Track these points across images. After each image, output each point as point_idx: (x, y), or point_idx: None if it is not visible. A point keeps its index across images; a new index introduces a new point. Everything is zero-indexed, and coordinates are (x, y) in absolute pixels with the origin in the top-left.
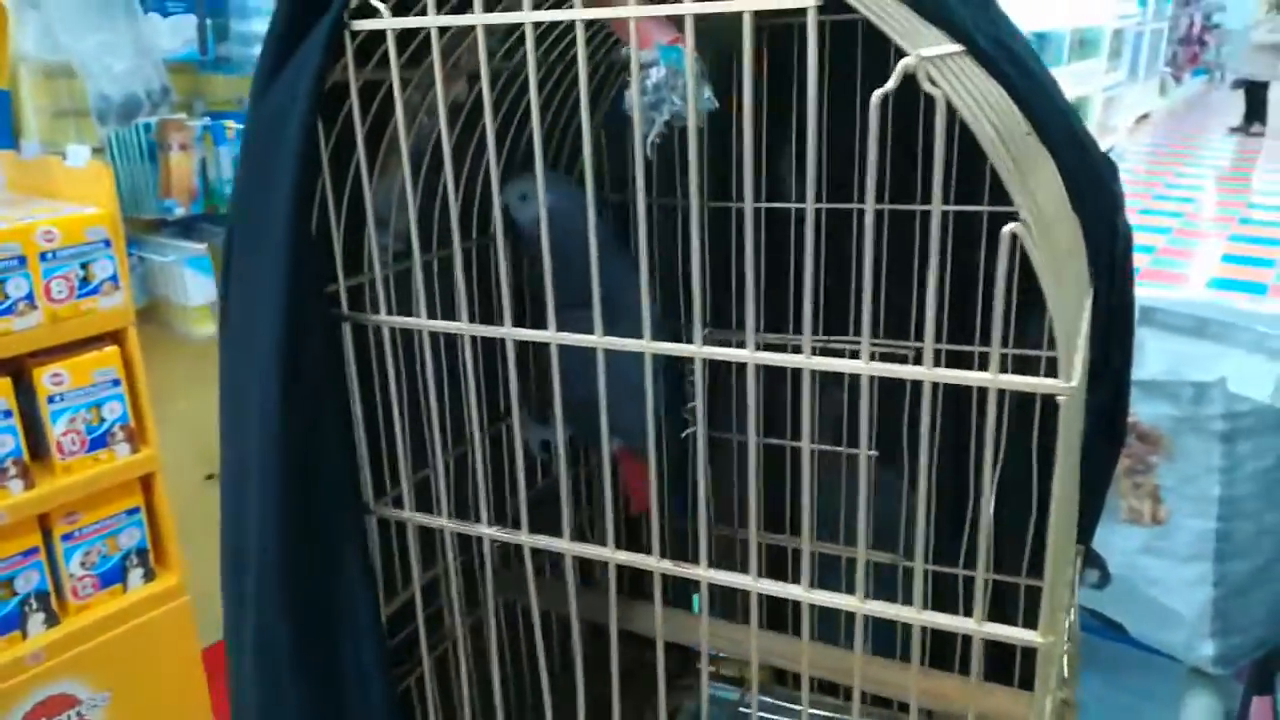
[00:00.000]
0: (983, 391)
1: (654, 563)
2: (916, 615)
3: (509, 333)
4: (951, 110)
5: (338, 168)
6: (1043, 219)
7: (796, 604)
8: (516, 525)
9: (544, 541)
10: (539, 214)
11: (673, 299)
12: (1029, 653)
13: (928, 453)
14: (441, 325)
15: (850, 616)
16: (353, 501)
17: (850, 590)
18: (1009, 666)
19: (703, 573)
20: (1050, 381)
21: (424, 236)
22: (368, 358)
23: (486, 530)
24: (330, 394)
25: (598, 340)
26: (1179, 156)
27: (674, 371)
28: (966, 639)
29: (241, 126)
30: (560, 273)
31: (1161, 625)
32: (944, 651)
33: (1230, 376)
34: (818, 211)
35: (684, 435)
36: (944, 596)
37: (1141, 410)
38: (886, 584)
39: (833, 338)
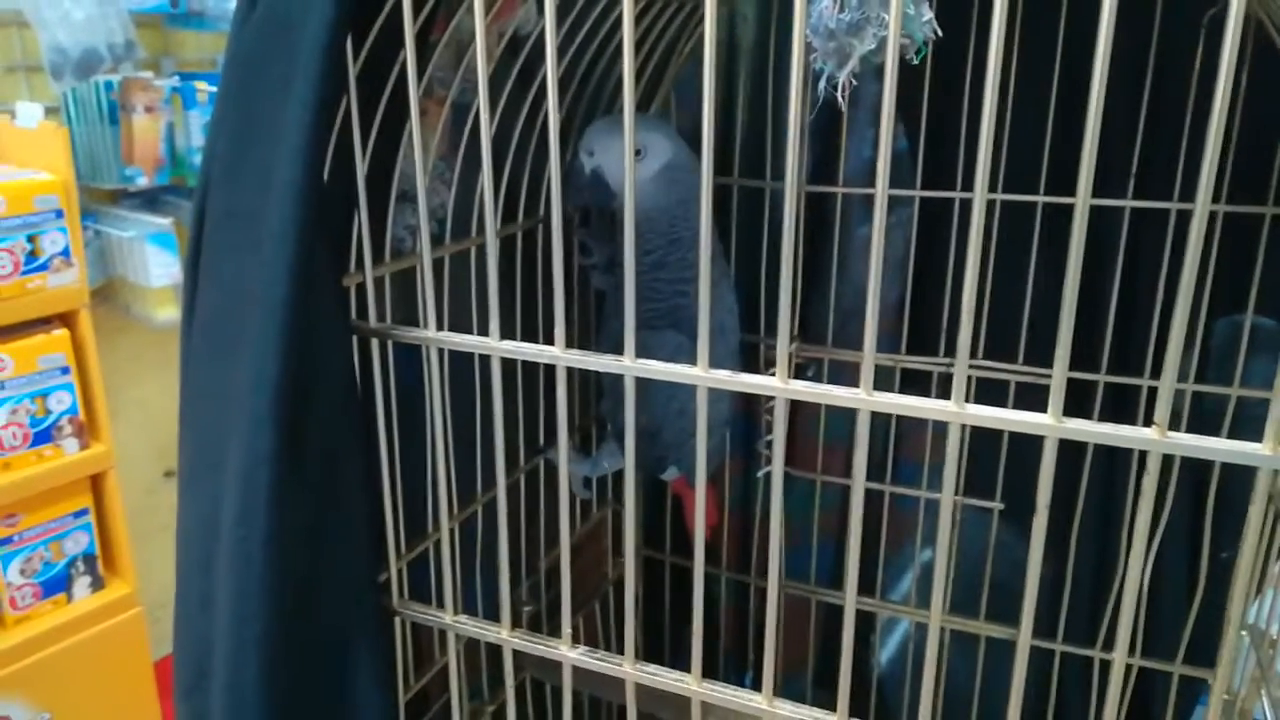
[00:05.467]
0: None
1: (698, 688)
2: None
3: (630, 366)
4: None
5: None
6: None
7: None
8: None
9: (606, 668)
10: (652, 170)
11: (752, 308)
12: None
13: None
14: (533, 350)
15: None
16: (370, 596)
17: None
18: None
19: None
20: None
21: (463, 218)
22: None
23: (571, 655)
24: (349, 437)
25: (711, 378)
26: None
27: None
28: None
29: (214, 89)
30: (658, 265)
31: None
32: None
33: None
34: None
35: (759, 475)
36: (1077, 681)
37: None
38: (999, 662)
39: (984, 363)
